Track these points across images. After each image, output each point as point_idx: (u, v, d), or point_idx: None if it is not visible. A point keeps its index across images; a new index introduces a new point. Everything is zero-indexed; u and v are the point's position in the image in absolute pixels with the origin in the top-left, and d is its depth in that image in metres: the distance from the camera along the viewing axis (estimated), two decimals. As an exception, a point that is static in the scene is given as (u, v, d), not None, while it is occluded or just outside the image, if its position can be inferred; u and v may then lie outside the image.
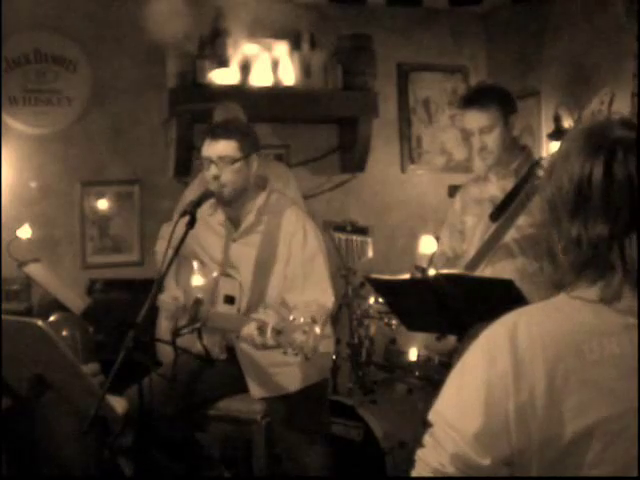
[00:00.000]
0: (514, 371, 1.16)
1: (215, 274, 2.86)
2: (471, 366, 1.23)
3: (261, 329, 2.40)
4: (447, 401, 1.24)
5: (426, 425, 1.27)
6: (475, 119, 2.80)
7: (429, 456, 1.23)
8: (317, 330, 2.33)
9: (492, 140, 2.78)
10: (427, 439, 1.26)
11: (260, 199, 2.86)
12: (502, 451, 1.17)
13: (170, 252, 2.51)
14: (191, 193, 3.48)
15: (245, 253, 2.86)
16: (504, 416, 1.16)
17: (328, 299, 2.77)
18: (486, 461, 1.17)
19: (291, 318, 2.37)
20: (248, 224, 2.86)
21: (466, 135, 2.96)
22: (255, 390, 2.87)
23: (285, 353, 2.37)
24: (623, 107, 3.84)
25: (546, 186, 1.24)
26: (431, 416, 1.25)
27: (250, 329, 2.49)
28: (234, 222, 2.89)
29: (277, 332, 2.36)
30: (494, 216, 2.77)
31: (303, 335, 2.31)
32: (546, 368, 1.15)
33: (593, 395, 1.15)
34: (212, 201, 2.82)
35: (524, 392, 1.16)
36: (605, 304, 1.18)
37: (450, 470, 1.19)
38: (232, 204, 2.83)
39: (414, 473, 1.25)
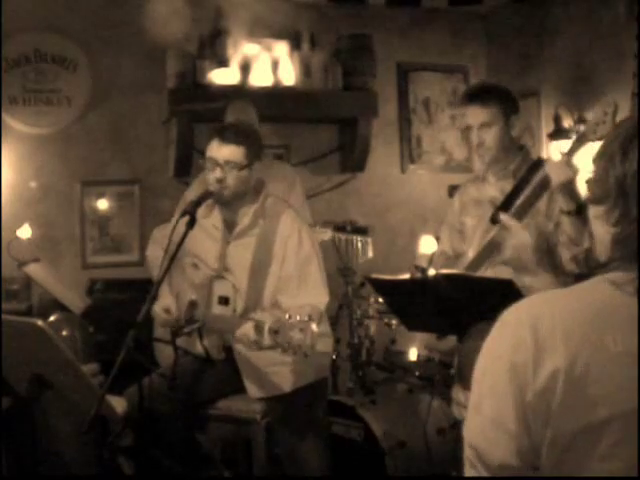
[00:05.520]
0: (534, 359, 1.15)
1: (209, 276, 2.85)
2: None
3: (258, 328, 2.40)
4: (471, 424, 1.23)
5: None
6: (475, 114, 2.79)
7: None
8: (314, 328, 2.33)
9: (490, 136, 2.77)
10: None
11: (256, 202, 2.84)
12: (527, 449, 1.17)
13: (167, 257, 2.49)
14: (191, 194, 3.47)
15: (240, 255, 2.83)
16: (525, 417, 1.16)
17: (322, 300, 2.77)
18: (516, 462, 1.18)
19: (287, 317, 2.36)
20: (243, 227, 2.84)
21: (466, 135, 2.96)
22: (253, 390, 2.87)
23: (284, 352, 2.36)
24: (623, 107, 3.83)
25: (610, 168, 1.22)
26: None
27: (246, 329, 2.47)
28: (229, 224, 2.87)
29: (274, 331, 2.35)
30: (495, 218, 2.77)
31: (300, 333, 2.31)
32: (567, 358, 1.14)
33: (612, 388, 1.14)
34: (208, 203, 2.78)
35: (542, 380, 1.15)
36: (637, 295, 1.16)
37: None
38: (230, 206, 2.82)
39: None
